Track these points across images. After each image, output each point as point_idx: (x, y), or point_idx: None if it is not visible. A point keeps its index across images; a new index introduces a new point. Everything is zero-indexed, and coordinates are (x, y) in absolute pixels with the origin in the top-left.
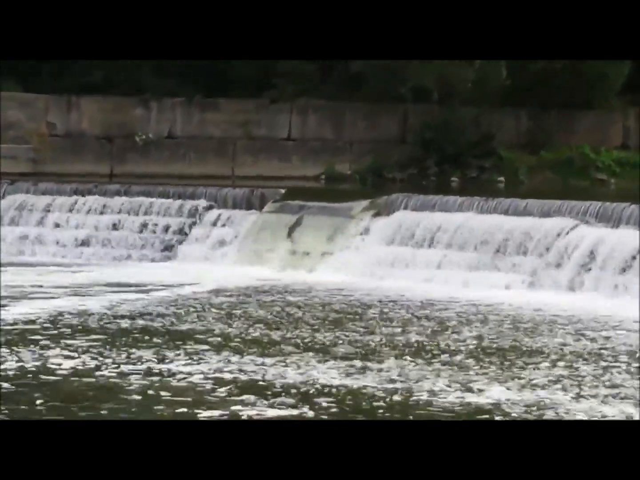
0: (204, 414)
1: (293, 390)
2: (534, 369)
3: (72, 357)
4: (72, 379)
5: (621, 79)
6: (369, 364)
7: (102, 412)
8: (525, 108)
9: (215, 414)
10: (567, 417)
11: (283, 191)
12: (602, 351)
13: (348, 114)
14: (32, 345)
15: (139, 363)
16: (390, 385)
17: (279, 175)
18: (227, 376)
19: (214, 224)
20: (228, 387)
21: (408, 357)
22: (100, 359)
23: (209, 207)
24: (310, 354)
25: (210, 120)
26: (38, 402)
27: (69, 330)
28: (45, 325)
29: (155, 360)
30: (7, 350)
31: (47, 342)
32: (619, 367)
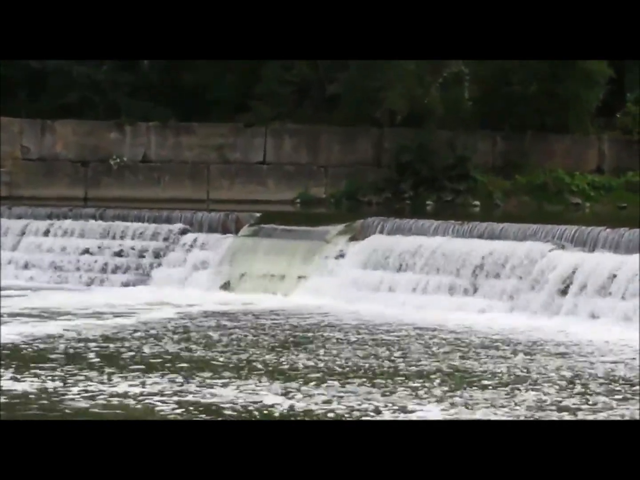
0: None
1: (241, 412)
2: (477, 391)
3: (26, 381)
4: (24, 401)
5: (596, 103)
6: (316, 386)
7: None
8: (500, 131)
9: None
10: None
11: (258, 215)
12: (566, 374)
13: (323, 137)
14: None
15: (96, 385)
16: (328, 406)
17: (254, 199)
18: (182, 398)
19: (190, 248)
20: (181, 408)
21: (361, 380)
22: (57, 382)
23: (184, 231)
24: (267, 377)
25: (185, 144)
26: None
27: (30, 354)
28: (10, 349)
29: (110, 383)
30: None
31: (10, 366)
32: (589, 390)
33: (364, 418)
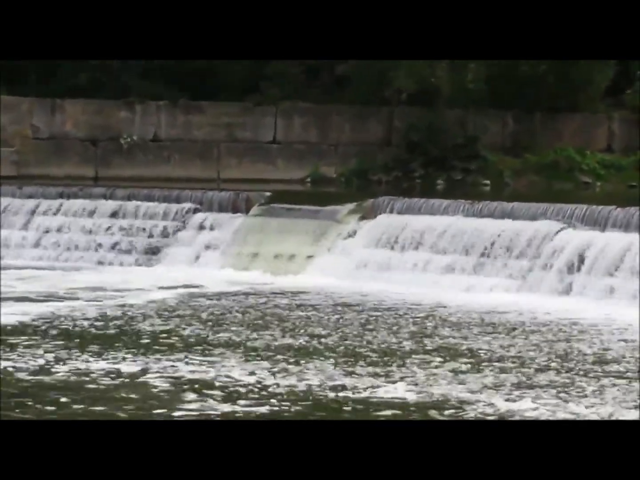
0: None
1: (235, 390)
2: (459, 369)
3: (26, 359)
4: (26, 378)
5: (606, 82)
6: (304, 364)
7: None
8: (510, 111)
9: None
10: (565, 418)
11: (268, 194)
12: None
13: (333, 116)
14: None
15: (96, 363)
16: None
17: (264, 178)
18: (181, 376)
19: (200, 227)
20: (177, 386)
21: (353, 359)
22: (59, 360)
23: (195, 211)
24: (259, 354)
25: (195, 123)
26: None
27: (36, 332)
28: (15, 328)
29: (113, 361)
30: None
31: (11, 344)
32: (577, 370)
33: (338, 394)
